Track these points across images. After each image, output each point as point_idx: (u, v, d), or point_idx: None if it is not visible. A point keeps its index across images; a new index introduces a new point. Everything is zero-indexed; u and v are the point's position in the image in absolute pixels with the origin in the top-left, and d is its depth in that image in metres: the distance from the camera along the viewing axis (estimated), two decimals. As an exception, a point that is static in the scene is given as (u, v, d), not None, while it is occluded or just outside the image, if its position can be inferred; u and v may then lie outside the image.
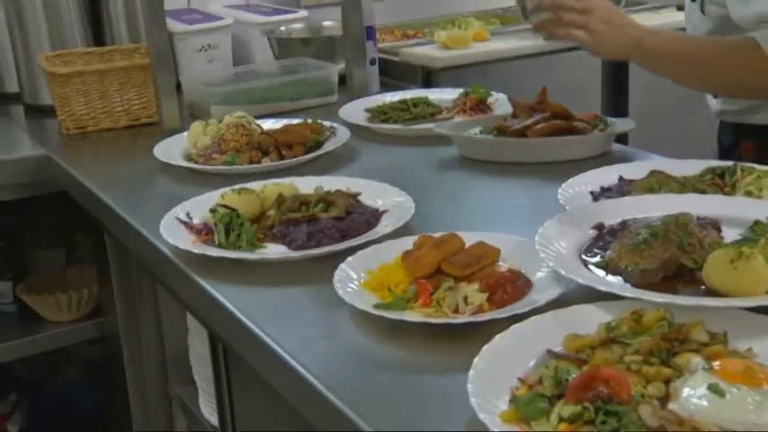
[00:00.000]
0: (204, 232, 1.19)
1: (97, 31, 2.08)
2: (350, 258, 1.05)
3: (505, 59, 2.22)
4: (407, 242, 1.07)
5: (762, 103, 1.51)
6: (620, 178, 1.29)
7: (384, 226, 1.18)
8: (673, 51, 1.46)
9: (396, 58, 2.22)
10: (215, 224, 1.17)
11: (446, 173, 1.49)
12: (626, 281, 0.95)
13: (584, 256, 1.03)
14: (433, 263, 1.00)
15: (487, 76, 2.13)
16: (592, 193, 1.24)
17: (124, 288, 1.69)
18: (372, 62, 2.03)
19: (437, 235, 1.06)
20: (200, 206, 1.25)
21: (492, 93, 1.79)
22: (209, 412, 1.49)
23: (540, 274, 0.99)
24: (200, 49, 2.12)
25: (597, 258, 1.02)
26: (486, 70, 2.18)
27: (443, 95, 1.84)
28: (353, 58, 1.95)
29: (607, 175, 1.30)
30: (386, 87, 2.04)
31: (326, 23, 2.23)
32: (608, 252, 1.00)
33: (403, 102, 1.79)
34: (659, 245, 0.96)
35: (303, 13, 2.28)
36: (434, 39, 2.26)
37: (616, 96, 2.45)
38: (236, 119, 1.61)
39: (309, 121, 1.64)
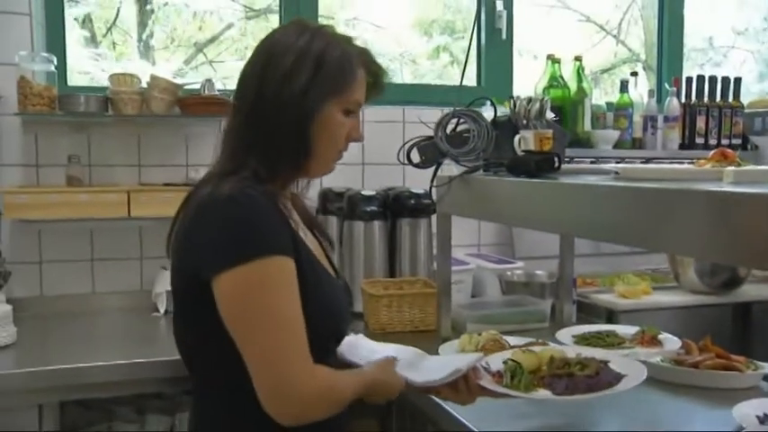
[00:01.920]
0: (497, 375, 1.42)
1: (392, 265, 2.44)
2: None
3: (665, 308, 2.45)
4: None
5: None
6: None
7: (623, 385, 1.36)
8: None
9: (587, 300, 2.49)
10: (505, 371, 1.41)
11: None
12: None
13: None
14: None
15: (651, 318, 2.36)
16: (758, 416, 1.44)
17: None
18: (574, 302, 2.31)
19: None
20: (496, 359, 1.50)
21: (661, 332, 2.01)
22: None
23: None
24: (453, 283, 2.43)
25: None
26: (651, 314, 2.41)
27: (625, 330, 2.07)
28: (564, 298, 2.24)
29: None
30: (579, 320, 2.31)
31: (538, 272, 2.53)
32: None
33: (599, 333, 2.04)
34: None
35: (520, 263, 2.60)
36: (615, 290, 2.52)
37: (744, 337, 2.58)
38: (492, 335, 1.89)
39: (540, 340, 1.91)
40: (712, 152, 1.53)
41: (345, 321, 1.37)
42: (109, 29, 2.83)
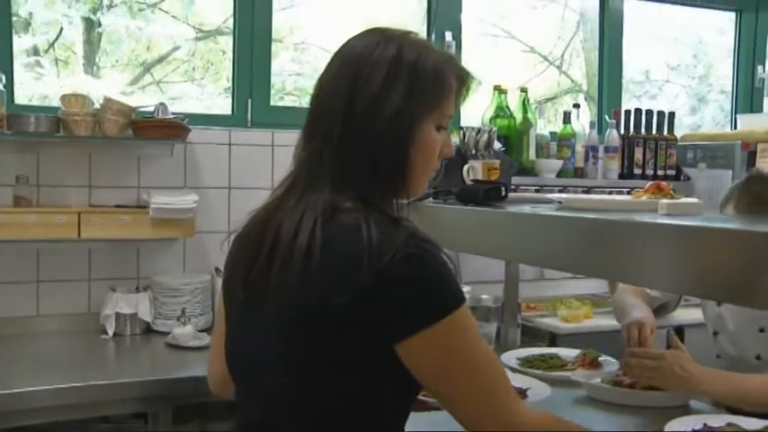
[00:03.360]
0: None
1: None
2: None
3: (605, 332, 2.56)
4: None
5: None
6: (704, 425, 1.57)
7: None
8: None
9: (530, 324, 2.58)
10: None
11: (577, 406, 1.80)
12: None
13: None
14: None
15: (592, 341, 2.45)
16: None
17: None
18: (518, 325, 2.40)
19: None
20: None
21: (601, 354, 2.11)
22: None
23: None
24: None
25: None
26: (591, 337, 2.51)
27: (567, 353, 2.17)
28: (509, 322, 2.32)
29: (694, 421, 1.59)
30: (523, 343, 2.39)
31: (484, 296, 2.59)
32: None
33: (543, 355, 2.13)
34: None
35: (467, 288, 2.66)
36: (558, 314, 2.62)
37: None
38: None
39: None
40: (648, 184, 1.62)
41: None
42: (51, 44, 2.80)
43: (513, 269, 2.37)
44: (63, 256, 2.46)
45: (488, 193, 1.74)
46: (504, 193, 1.75)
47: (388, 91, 1.10)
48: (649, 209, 1.41)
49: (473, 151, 1.98)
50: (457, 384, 1.06)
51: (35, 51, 2.75)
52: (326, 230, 1.06)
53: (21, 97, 2.61)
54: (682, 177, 3.32)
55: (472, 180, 1.90)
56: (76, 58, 2.83)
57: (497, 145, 2.14)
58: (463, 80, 1.21)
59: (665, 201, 1.42)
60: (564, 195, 1.67)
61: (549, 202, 1.70)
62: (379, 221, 1.06)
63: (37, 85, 2.71)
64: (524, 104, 3.06)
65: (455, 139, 2.05)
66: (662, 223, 1.18)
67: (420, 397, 1.34)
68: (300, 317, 1.07)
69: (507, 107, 3.04)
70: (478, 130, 1.99)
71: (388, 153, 1.11)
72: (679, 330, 2.57)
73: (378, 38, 1.15)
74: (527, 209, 1.60)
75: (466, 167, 1.92)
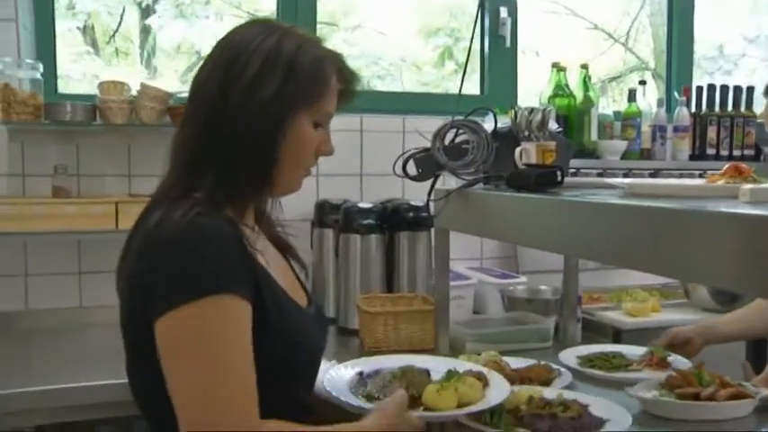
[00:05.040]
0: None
1: (389, 280, 2.33)
2: None
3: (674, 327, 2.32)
4: None
5: None
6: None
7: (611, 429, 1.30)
8: None
9: (592, 318, 2.37)
10: (484, 412, 1.31)
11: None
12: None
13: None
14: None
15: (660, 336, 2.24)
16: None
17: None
18: (578, 320, 2.19)
19: None
20: None
21: (670, 354, 1.89)
22: None
23: None
24: (453, 298, 2.32)
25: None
26: (660, 334, 2.28)
27: (632, 351, 1.97)
28: (568, 316, 2.12)
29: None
30: (585, 339, 2.19)
31: (542, 287, 2.41)
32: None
33: (604, 354, 1.93)
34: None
35: (523, 278, 2.49)
36: (622, 307, 2.40)
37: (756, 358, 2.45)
38: (491, 356, 1.79)
39: (543, 362, 1.80)
40: (725, 166, 1.41)
41: (316, 352, 1.22)
42: (112, 36, 2.74)
43: (573, 259, 2.17)
44: (104, 246, 2.36)
45: (541, 178, 1.56)
46: (559, 177, 1.57)
47: (262, 81, 1.08)
48: (728, 195, 1.22)
49: (526, 132, 1.78)
50: (181, 380, 0.99)
51: (93, 44, 2.69)
52: (149, 217, 1.07)
53: (71, 86, 2.54)
54: (762, 158, 3.03)
55: (525, 164, 1.71)
56: (133, 49, 2.76)
57: (554, 125, 1.93)
58: (347, 79, 1.19)
59: (747, 186, 1.22)
60: (628, 180, 1.47)
61: (611, 187, 1.52)
62: (187, 203, 1.04)
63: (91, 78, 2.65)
64: (585, 82, 2.83)
65: (506, 119, 1.87)
66: (745, 213, 0.98)
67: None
68: (122, 300, 1.10)
69: (567, 85, 2.82)
70: (531, 110, 1.80)
71: (255, 145, 1.08)
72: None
73: (261, 29, 1.13)
74: (584, 196, 1.42)
75: (518, 150, 1.74)
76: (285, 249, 1.30)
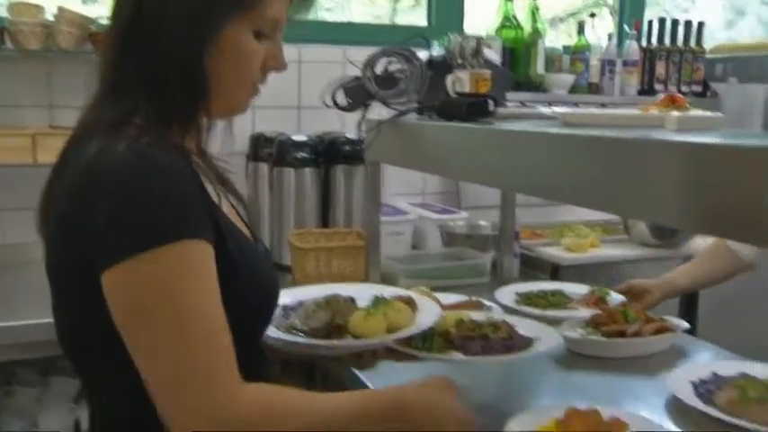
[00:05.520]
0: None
1: (324, 215, 2.26)
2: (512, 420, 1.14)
3: (612, 263, 2.31)
4: (558, 410, 1.15)
5: None
6: (713, 374, 1.33)
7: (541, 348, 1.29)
8: None
9: (531, 254, 2.34)
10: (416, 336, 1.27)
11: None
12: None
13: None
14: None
15: (600, 273, 2.22)
16: (692, 382, 1.32)
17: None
18: (516, 255, 2.16)
19: (582, 408, 1.13)
20: None
21: (610, 293, 1.85)
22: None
23: None
24: (390, 234, 2.27)
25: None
26: (599, 269, 2.27)
27: (573, 289, 1.92)
28: (505, 252, 2.08)
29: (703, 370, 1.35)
30: (523, 275, 2.16)
31: (482, 223, 2.36)
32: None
33: (544, 292, 1.89)
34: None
35: (464, 214, 2.43)
36: (560, 242, 2.37)
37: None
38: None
39: (474, 298, 1.76)
40: (661, 96, 1.35)
41: (275, 289, 1.09)
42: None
43: (510, 192, 2.11)
44: (22, 181, 2.23)
45: (472, 108, 1.48)
46: (491, 107, 1.49)
47: None
48: (655, 124, 1.15)
49: (459, 61, 1.69)
50: (146, 353, 0.85)
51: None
52: (81, 150, 0.91)
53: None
54: (709, 94, 2.99)
55: (457, 93, 1.63)
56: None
57: (492, 54, 1.85)
58: None
59: (674, 113, 1.16)
60: (560, 110, 1.40)
61: (547, 118, 1.45)
62: (129, 132, 0.90)
63: None
64: (533, 14, 2.74)
65: (441, 49, 1.78)
66: (665, 140, 0.92)
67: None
68: (49, 243, 0.96)
69: (515, 17, 2.72)
70: (466, 37, 1.70)
71: (179, 59, 0.93)
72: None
73: None
74: (515, 125, 1.35)
75: (450, 78, 1.65)
76: (224, 183, 1.16)
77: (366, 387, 1.35)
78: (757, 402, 1.20)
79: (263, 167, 2.27)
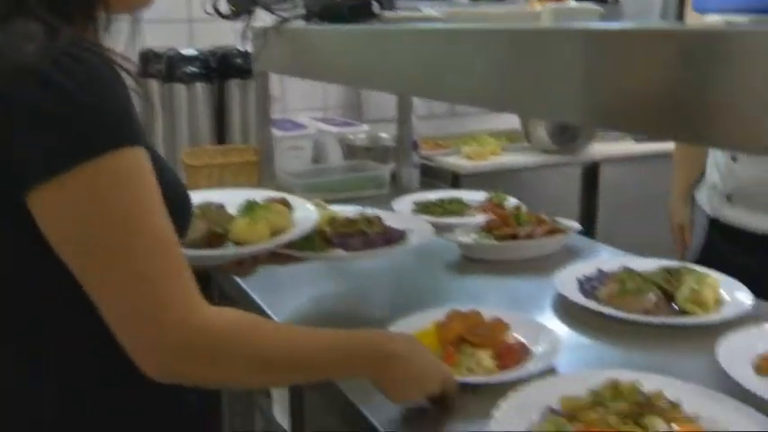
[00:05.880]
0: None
1: (220, 132, 2.18)
2: (395, 324, 1.12)
3: (513, 170, 2.33)
4: (441, 313, 1.12)
5: None
6: (598, 270, 1.35)
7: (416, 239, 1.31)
8: None
9: (432, 164, 2.32)
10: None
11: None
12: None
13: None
14: (459, 333, 1.06)
15: (501, 181, 2.22)
16: (578, 279, 1.33)
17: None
18: (415, 166, 2.14)
19: (463, 310, 1.12)
20: None
21: (508, 198, 1.86)
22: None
23: (539, 348, 1.05)
24: (289, 149, 2.21)
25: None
26: (499, 177, 2.28)
27: (472, 197, 1.90)
28: (403, 162, 2.06)
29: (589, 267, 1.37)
30: (424, 185, 2.14)
31: (383, 135, 2.33)
32: None
33: (442, 200, 1.87)
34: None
35: (365, 126, 2.39)
36: (461, 151, 2.36)
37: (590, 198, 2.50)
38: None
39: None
40: (547, -10, 1.31)
41: (188, 196, 0.97)
42: None
43: (406, 101, 2.07)
44: None
45: (355, 9, 1.42)
46: (376, 8, 1.43)
47: None
48: (531, 18, 1.12)
49: (344, -40, 1.61)
50: (99, 270, 0.74)
51: None
52: None
53: None
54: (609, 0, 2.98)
55: (341, -5, 1.56)
56: None
57: (380, -45, 1.76)
58: None
59: (550, 5, 1.13)
60: (445, 9, 1.35)
61: (433, 19, 1.40)
62: (29, 26, 0.75)
63: None
64: None
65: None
66: (547, 29, 0.89)
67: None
68: None
69: None
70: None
71: None
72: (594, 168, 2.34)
73: None
74: (399, 25, 1.30)
75: (332, -20, 1.57)
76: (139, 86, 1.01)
77: (249, 295, 1.32)
78: (634, 294, 1.23)
79: (154, 84, 2.16)
